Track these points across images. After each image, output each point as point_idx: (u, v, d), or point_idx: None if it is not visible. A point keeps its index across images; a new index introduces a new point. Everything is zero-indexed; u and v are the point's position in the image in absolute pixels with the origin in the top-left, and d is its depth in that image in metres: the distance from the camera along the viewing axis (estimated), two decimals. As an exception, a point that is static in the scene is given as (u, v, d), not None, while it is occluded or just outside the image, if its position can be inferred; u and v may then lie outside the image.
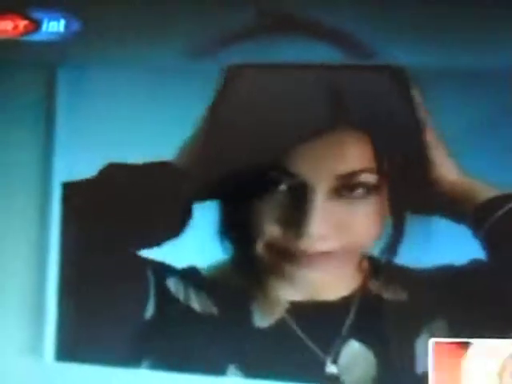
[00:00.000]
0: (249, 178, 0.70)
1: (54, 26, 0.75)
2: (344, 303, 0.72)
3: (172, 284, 0.73)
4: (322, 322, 0.72)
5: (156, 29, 0.74)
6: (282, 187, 0.69)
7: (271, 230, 0.69)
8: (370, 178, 0.69)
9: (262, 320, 0.72)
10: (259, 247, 0.70)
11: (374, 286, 0.72)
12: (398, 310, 0.70)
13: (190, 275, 0.73)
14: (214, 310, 0.73)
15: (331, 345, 0.71)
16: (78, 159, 0.74)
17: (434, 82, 0.70)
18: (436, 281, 0.69)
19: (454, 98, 0.70)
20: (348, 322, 0.71)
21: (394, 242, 0.71)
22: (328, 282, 0.71)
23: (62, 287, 0.73)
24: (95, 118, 0.74)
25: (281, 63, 0.72)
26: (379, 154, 0.69)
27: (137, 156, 0.72)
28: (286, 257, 0.70)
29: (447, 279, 0.69)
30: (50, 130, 0.75)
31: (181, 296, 0.73)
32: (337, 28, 0.72)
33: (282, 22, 0.73)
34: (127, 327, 0.72)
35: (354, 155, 0.68)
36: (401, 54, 0.71)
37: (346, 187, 0.68)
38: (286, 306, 0.72)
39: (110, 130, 0.74)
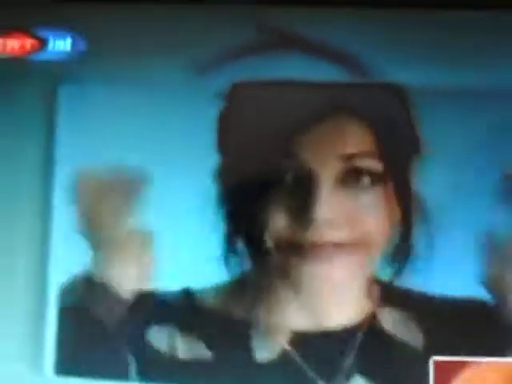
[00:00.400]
0: (255, 176, 0.71)
1: (60, 45, 0.75)
2: (350, 333, 0.70)
3: (154, 337, 0.71)
4: (326, 354, 0.70)
5: (160, 46, 0.75)
6: (288, 177, 0.70)
7: (279, 222, 0.69)
8: (373, 163, 0.69)
9: (263, 353, 0.70)
10: (267, 242, 0.70)
11: (382, 315, 0.70)
12: (405, 343, 0.69)
13: (182, 302, 0.72)
14: (211, 345, 0.71)
15: (336, 379, 0.70)
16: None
17: (434, 102, 0.71)
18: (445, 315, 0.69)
19: (453, 118, 0.71)
20: (353, 355, 0.70)
21: (403, 251, 0.70)
22: (337, 284, 0.70)
23: (62, 301, 0.73)
24: (97, 135, 0.75)
25: (282, 80, 0.73)
26: (381, 140, 0.70)
27: (140, 169, 0.73)
28: (294, 250, 0.69)
29: (455, 314, 0.69)
30: (51, 145, 0.75)
31: (164, 346, 0.71)
32: (335, 46, 0.73)
33: (281, 40, 0.74)
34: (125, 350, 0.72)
35: (356, 139, 0.70)
36: (402, 74, 0.72)
37: (350, 174, 0.69)
38: (289, 335, 0.70)
39: (113, 148, 0.74)
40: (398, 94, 0.72)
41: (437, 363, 0.58)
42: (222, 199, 0.72)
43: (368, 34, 0.73)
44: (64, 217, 0.73)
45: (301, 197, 0.69)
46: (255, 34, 0.74)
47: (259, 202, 0.70)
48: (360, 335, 0.70)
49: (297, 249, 0.69)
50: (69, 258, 0.73)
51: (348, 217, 0.69)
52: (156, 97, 0.74)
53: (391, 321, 0.70)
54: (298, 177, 0.70)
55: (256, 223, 0.70)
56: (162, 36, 0.75)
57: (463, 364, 0.58)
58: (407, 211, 0.71)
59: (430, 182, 0.71)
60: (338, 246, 0.69)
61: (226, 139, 0.73)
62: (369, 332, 0.70)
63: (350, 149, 0.70)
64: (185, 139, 0.73)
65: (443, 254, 0.69)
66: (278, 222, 0.70)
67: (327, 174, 0.69)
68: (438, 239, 0.70)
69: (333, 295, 0.70)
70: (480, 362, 0.57)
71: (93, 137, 0.75)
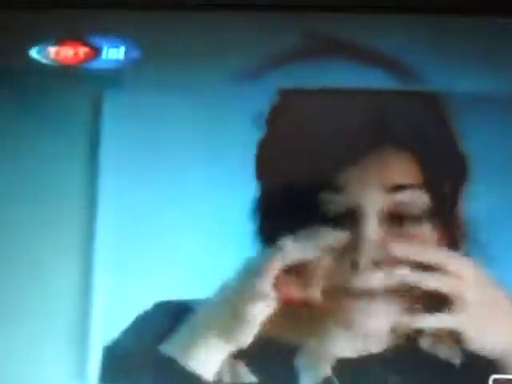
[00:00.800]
0: (301, 205, 0.68)
1: (113, 54, 0.75)
2: (391, 357, 0.68)
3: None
4: (368, 381, 0.68)
5: (208, 54, 0.74)
6: (333, 211, 0.67)
7: (323, 263, 0.67)
8: (420, 196, 0.67)
9: (307, 380, 0.68)
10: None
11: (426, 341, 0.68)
12: (450, 369, 0.67)
13: None
14: (255, 370, 0.68)
15: None
16: (125, 190, 0.74)
17: (480, 112, 0.70)
18: None
19: (502, 130, 0.71)
20: (396, 380, 0.68)
21: None
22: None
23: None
24: (144, 145, 0.74)
25: (327, 87, 0.72)
26: (427, 171, 0.68)
27: (184, 180, 0.73)
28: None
29: None
30: (96, 155, 0.75)
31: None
32: (383, 51, 0.73)
33: (325, 46, 0.74)
34: None
35: (402, 171, 0.67)
36: (449, 82, 0.72)
37: (397, 210, 0.67)
38: (333, 362, 0.68)
39: (160, 158, 0.74)
40: (440, 107, 0.71)
41: (497, 382, 0.58)
42: (261, 228, 0.70)
43: (416, 40, 0.73)
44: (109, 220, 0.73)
45: (347, 235, 0.67)
46: (302, 41, 0.74)
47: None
48: (403, 361, 0.68)
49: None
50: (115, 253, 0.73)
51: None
52: (203, 107, 0.73)
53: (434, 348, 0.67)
54: (343, 213, 0.67)
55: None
56: (210, 44, 0.74)
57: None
58: (456, 239, 0.69)
59: (478, 201, 0.70)
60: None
61: (266, 164, 0.71)
62: (413, 358, 0.67)
63: (396, 181, 0.67)
64: (229, 155, 0.73)
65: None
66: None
67: (373, 209, 0.66)
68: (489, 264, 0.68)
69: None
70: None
71: (138, 145, 0.74)
